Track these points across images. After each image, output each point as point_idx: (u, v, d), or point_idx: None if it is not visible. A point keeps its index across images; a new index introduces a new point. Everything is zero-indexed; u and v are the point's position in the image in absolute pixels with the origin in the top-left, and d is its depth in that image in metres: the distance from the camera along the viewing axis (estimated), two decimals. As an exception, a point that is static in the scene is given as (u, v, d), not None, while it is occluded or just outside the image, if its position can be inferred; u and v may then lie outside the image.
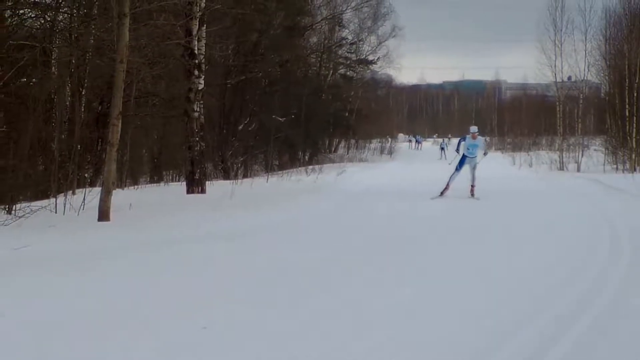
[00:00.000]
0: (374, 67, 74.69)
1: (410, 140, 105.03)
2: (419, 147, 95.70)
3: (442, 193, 24.73)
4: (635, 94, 49.17)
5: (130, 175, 32.46)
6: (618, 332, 7.64)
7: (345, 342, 7.10)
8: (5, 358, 6.55)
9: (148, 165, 38.92)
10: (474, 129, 26.01)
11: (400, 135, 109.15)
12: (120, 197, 20.62)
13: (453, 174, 25.17)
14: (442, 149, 70.53)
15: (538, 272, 10.98)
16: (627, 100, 49.84)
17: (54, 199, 19.56)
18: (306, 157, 58.92)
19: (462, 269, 11.27)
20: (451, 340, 7.23)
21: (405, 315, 8.26)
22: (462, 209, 21.33)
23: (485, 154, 26.41)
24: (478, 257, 12.57)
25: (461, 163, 25.28)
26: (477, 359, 6.74)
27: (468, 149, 25.42)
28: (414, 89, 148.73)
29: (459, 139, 28.06)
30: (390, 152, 78.78)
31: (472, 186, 24.96)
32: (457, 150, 26.15)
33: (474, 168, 25.19)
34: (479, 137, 26.01)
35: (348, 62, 71.60)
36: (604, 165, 51.59)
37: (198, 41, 25.89)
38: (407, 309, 8.57)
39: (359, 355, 6.72)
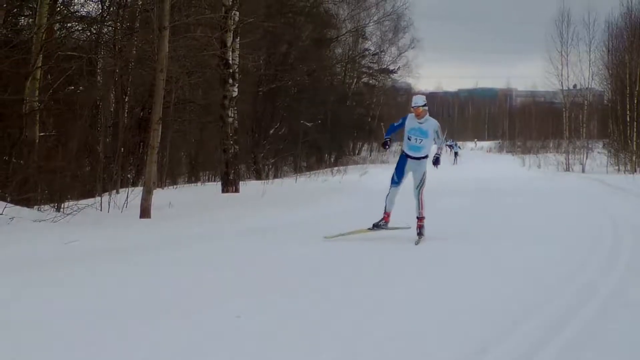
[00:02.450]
0: (395, 76, 74.74)
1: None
2: (455, 161, 66.26)
3: (377, 224, 14.24)
4: (635, 101, 49.15)
5: (169, 176, 32.43)
6: (621, 318, 7.55)
7: (370, 329, 6.98)
8: (58, 343, 6.47)
9: (186, 166, 38.95)
10: (418, 99, 14.07)
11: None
12: (160, 196, 20.56)
13: (389, 191, 14.34)
14: (456, 153, 69.18)
15: (548, 262, 10.87)
16: (628, 106, 49.87)
17: (99, 198, 19.55)
18: (332, 159, 59.00)
19: (477, 261, 11.15)
20: (473, 320, 7.15)
21: (424, 302, 8.17)
22: (478, 206, 21.17)
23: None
24: (491, 248, 12.44)
25: (400, 170, 14.22)
26: (499, 336, 6.68)
27: (409, 138, 13.97)
28: (431, 96, 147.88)
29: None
30: (410, 154, 78.45)
31: (418, 219, 13.91)
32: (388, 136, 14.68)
33: (418, 185, 13.98)
34: (430, 118, 14.02)
35: (370, 71, 71.69)
36: (606, 166, 51.54)
37: (232, 52, 25.87)
38: (425, 296, 8.47)
39: (382, 341, 6.59)
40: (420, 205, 13.92)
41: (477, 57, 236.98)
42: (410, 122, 13.96)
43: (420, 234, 13.71)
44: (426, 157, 14.05)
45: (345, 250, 12.27)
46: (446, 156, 71.17)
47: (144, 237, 14.18)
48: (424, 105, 13.91)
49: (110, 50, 26.48)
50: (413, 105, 14.05)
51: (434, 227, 13.71)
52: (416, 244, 13.19)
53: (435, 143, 14.15)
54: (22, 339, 6.60)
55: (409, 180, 14.11)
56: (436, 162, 14.19)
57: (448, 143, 72.04)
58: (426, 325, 7.15)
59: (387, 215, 14.24)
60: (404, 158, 14.20)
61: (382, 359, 6.16)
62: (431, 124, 13.91)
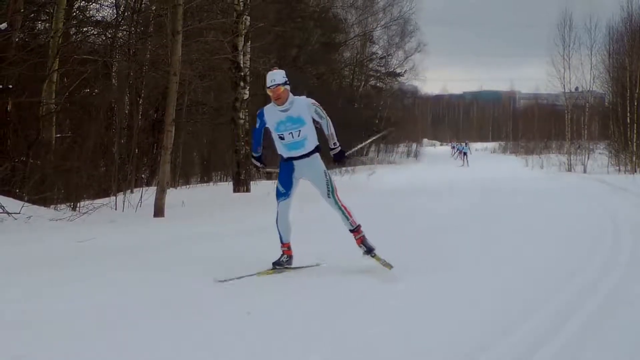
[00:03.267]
0: (401, 79, 74.79)
1: (453, 147, 78.06)
2: (464, 161, 63.46)
3: (277, 262, 10.03)
4: (635, 103, 49.05)
5: (182, 176, 32.50)
6: (621, 317, 7.49)
7: (369, 329, 6.93)
8: (75, 338, 6.49)
9: (198, 166, 38.99)
10: (275, 75, 9.48)
11: (425, 140, 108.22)
12: (173, 195, 20.60)
13: (278, 209, 10.17)
14: (465, 153, 68.33)
15: (548, 262, 10.80)
16: (628, 108, 49.72)
17: (114, 197, 19.58)
18: (340, 160, 58.85)
19: (477, 260, 11.08)
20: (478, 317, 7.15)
21: (424, 302, 8.12)
22: (480, 207, 21.12)
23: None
24: (491, 248, 12.39)
25: (285, 179, 10.07)
26: (499, 336, 6.60)
27: (281, 137, 9.79)
28: (437, 99, 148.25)
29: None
30: (416, 155, 78.64)
31: (352, 232, 10.19)
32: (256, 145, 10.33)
33: (328, 191, 10.49)
34: (297, 98, 9.75)
35: (378, 74, 71.79)
36: (607, 167, 51.40)
37: (243, 56, 25.91)
38: (425, 296, 8.43)
39: (382, 340, 6.57)
40: (345, 214, 10.30)
41: (481, 60, 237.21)
42: (271, 114, 9.70)
43: (367, 250, 9.96)
44: (316, 149, 9.96)
45: (350, 247, 12.26)
46: (448, 159, 71.20)
47: (157, 236, 14.20)
48: (285, 84, 9.50)
49: (125, 54, 26.55)
50: (269, 85, 9.47)
51: (435, 227, 13.65)
52: (386, 266, 9.69)
53: (320, 126, 9.85)
54: (35, 337, 6.58)
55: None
56: (339, 157, 10.19)
57: (460, 148, 71.84)
58: (426, 324, 7.10)
59: (286, 248, 10.24)
60: (286, 164, 9.97)
61: (383, 357, 6.15)
62: (301, 104, 9.69)
